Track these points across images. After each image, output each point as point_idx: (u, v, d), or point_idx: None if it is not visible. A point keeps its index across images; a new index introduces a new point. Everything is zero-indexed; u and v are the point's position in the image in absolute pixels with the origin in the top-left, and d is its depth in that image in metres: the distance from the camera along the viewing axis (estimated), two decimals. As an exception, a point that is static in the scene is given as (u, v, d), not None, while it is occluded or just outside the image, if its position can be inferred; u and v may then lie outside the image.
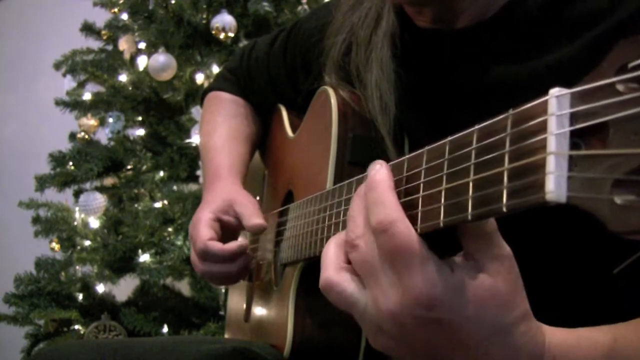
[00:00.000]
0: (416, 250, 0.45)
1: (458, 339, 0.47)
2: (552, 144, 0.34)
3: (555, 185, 0.33)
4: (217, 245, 0.90)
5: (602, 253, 0.46)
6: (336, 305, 0.52)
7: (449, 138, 0.45)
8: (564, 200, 0.33)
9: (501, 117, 0.39)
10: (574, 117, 0.34)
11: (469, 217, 0.41)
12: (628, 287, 0.59)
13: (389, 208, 0.46)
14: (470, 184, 0.41)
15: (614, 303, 0.62)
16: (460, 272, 0.46)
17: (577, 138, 0.34)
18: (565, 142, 0.34)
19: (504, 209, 0.37)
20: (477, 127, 0.42)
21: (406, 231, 0.45)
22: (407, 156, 0.51)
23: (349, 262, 0.52)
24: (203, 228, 0.91)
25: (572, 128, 0.33)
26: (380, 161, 0.51)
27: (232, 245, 0.90)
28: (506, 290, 0.46)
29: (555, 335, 0.51)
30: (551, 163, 0.34)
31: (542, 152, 0.34)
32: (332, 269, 0.52)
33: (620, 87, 0.31)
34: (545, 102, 0.35)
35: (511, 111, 0.38)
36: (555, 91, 0.35)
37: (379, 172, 0.49)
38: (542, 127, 0.35)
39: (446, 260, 0.47)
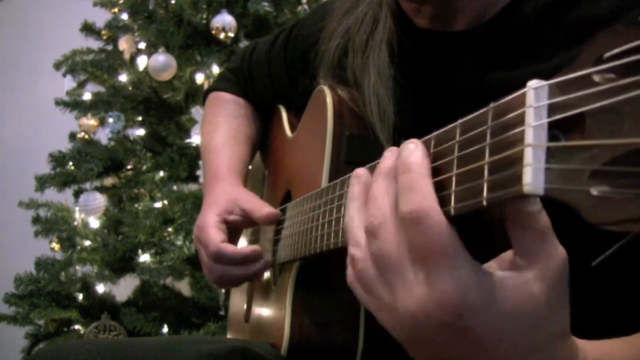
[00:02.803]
0: (450, 247, 0.40)
1: (484, 353, 0.42)
2: (529, 136, 0.34)
3: (532, 177, 0.33)
4: (231, 248, 0.91)
5: (586, 249, 0.44)
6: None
7: (435, 133, 0.45)
8: (541, 192, 0.33)
9: (483, 110, 0.39)
10: (551, 109, 0.33)
11: (452, 211, 0.40)
12: (613, 285, 0.59)
13: (424, 197, 0.41)
14: (453, 178, 0.41)
15: (600, 303, 0.62)
16: (500, 272, 0.41)
17: (556, 130, 0.33)
18: (543, 134, 0.33)
19: (484, 203, 0.37)
20: (460, 120, 0.42)
21: (441, 225, 0.40)
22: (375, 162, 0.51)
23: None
24: (212, 231, 0.92)
25: (549, 120, 0.33)
26: (415, 140, 0.45)
27: (245, 249, 0.91)
28: (550, 301, 0.41)
29: (590, 352, 0.47)
30: (529, 155, 0.33)
31: (520, 145, 0.34)
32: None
33: (596, 78, 0.31)
34: (524, 94, 0.35)
35: (492, 104, 0.38)
36: (533, 83, 0.34)
37: (415, 153, 0.43)
38: (521, 120, 0.35)
39: (483, 265, 0.42)
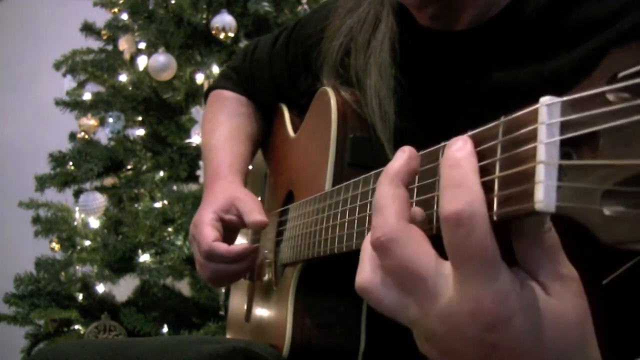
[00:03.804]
0: (493, 254, 0.37)
1: None
2: (542, 153, 0.33)
3: (544, 194, 0.33)
4: (223, 247, 0.90)
5: (599, 268, 0.44)
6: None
7: (443, 144, 0.44)
8: (552, 210, 0.33)
9: (493, 124, 0.39)
10: (564, 126, 0.33)
11: None
12: (626, 305, 0.59)
13: (475, 196, 0.36)
14: None
15: (612, 325, 0.62)
16: (529, 290, 0.38)
17: (569, 147, 0.33)
18: (555, 151, 0.33)
19: (495, 218, 0.37)
20: (469, 133, 0.41)
21: (486, 230, 0.36)
22: (438, 146, 0.50)
23: None
24: (206, 228, 0.91)
25: (562, 137, 0.33)
26: (464, 137, 0.40)
27: (238, 247, 0.91)
28: (577, 321, 0.38)
29: None
30: (541, 172, 0.33)
31: (532, 161, 0.34)
32: (369, 269, 0.43)
33: (610, 97, 0.30)
34: (536, 110, 0.35)
35: (503, 118, 0.38)
36: (546, 100, 0.34)
37: (464, 149, 0.39)
38: (533, 136, 0.34)
39: (513, 272, 0.38)
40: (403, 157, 0.45)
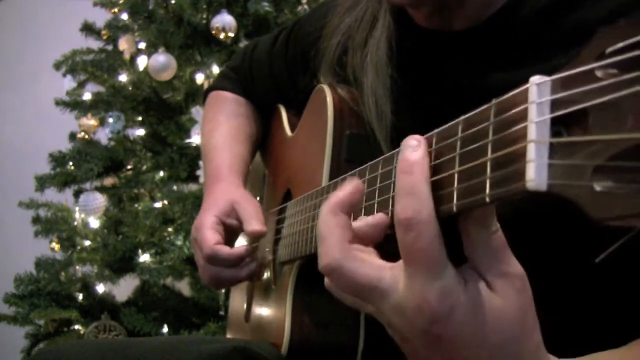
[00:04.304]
0: (438, 256, 0.41)
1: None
2: (532, 132, 0.33)
3: (535, 173, 0.33)
4: (225, 250, 0.90)
5: (589, 249, 0.44)
6: None
7: (437, 130, 0.45)
8: (544, 188, 0.33)
9: (485, 106, 0.39)
10: (554, 105, 0.33)
11: (454, 208, 0.40)
12: (616, 285, 0.59)
13: (423, 205, 0.41)
14: (456, 175, 0.41)
15: (602, 306, 0.62)
16: (472, 287, 0.41)
17: (559, 126, 0.33)
18: (546, 130, 0.33)
19: (487, 199, 0.37)
20: (462, 117, 0.42)
21: (433, 234, 0.40)
22: (396, 150, 0.50)
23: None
24: (208, 232, 0.91)
25: (552, 115, 0.33)
26: (418, 137, 0.44)
27: (240, 249, 0.91)
28: (516, 316, 0.41)
29: None
30: (531, 151, 0.33)
31: (522, 141, 0.34)
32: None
33: (599, 74, 0.30)
34: (526, 90, 0.35)
35: (494, 100, 0.38)
36: (535, 79, 0.34)
37: (416, 151, 0.42)
38: (523, 115, 0.34)
39: (460, 270, 0.42)
40: (348, 188, 0.48)
